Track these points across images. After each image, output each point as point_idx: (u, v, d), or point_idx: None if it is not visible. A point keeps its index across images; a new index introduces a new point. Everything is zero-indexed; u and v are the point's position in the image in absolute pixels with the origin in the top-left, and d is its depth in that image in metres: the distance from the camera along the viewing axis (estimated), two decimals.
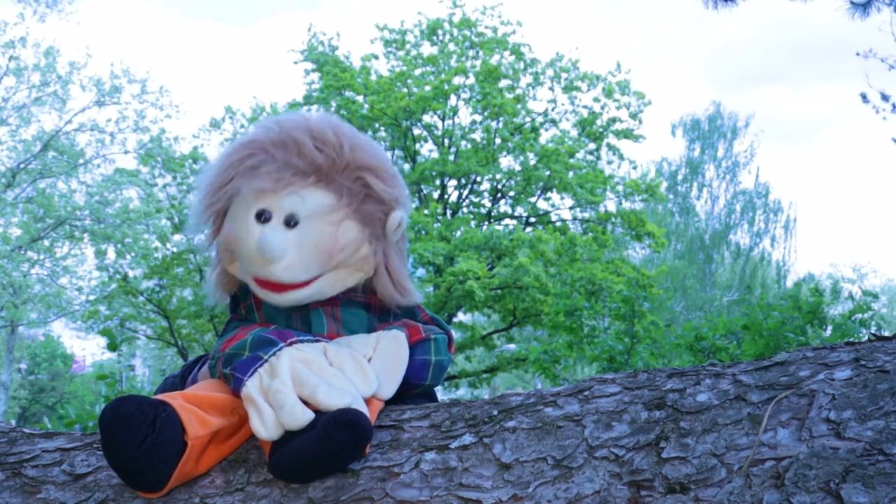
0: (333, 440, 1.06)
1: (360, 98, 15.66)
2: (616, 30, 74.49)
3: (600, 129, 16.07)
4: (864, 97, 8.46)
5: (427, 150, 16.66)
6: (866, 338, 1.25)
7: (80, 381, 28.95)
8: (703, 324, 5.24)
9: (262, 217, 1.28)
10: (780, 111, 72.26)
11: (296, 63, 16.35)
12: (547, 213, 16.66)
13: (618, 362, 5.29)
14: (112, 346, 3.27)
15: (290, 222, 1.28)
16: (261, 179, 1.28)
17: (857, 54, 8.13)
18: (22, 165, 14.93)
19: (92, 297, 16.12)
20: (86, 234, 15.25)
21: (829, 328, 4.70)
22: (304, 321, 1.33)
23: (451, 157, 15.65)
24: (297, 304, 1.31)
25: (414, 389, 1.32)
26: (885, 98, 8.40)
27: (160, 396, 1.13)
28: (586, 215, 16.51)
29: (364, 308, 1.37)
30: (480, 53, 15.96)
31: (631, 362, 5.23)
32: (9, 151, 15.09)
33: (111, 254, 15.66)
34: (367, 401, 1.17)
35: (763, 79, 73.34)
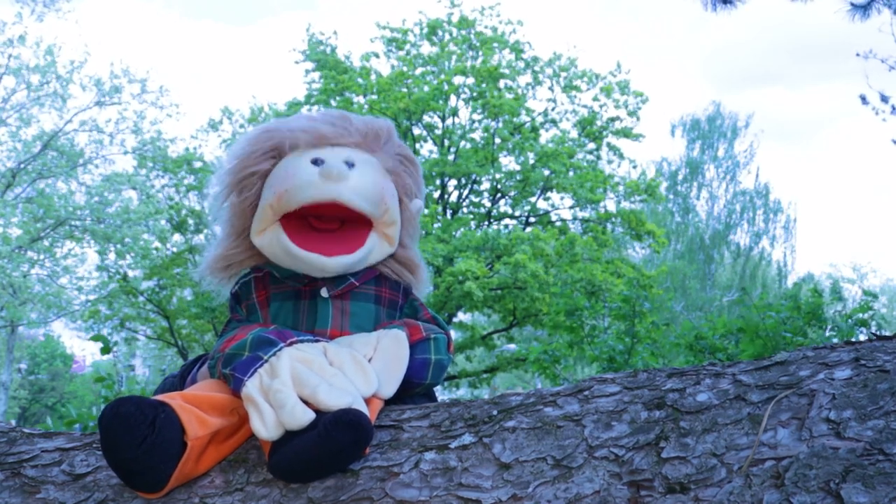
0: (334, 440, 1.06)
1: (359, 99, 15.67)
2: (615, 29, 74.54)
3: (600, 129, 16.08)
4: (863, 99, 8.43)
5: (427, 150, 16.67)
6: (866, 338, 1.25)
7: (80, 381, 28.95)
8: (704, 324, 5.24)
9: (317, 162, 1.31)
10: (779, 112, 72.39)
11: (297, 63, 16.37)
12: (547, 213, 16.66)
13: (618, 362, 5.28)
14: (105, 350, 3.28)
15: (346, 164, 1.32)
16: (316, 131, 1.34)
17: (858, 55, 8.10)
18: (22, 165, 14.93)
19: (92, 297, 16.12)
20: (86, 235, 15.25)
21: (829, 329, 4.70)
22: (311, 312, 1.34)
23: (451, 157, 15.66)
24: (341, 271, 1.33)
25: (414, 388, 1.32)
26: (884, 99, 8.37)
27: (160, 397, 1.13)
28: (586, 215, 16.50)
29: (374, 301, 1.39)
30: (480, 53, 15.96)
31: (631, 362, 5.22)
32: (8, 151, 15.10)
33: (111, 254, 15.66)
34: (368, 400, 1.17)
35: (762, 79, 73.46)
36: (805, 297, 4.83)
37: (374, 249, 1.36)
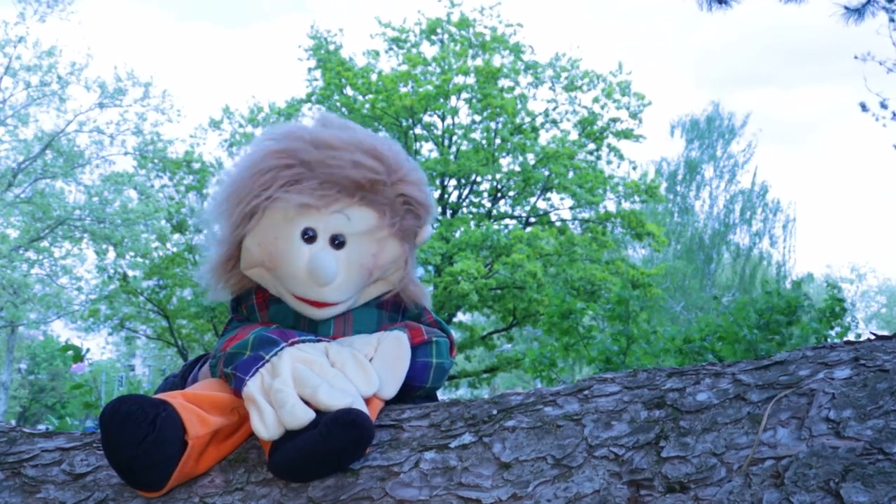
0: (335, 439, 1.06)
1: (361, 97, 15.66)
2: (606, 30, 74.53)
3: (600, 130, 16.08)
4: (863, 106, 8.39)
5: (427, 149, 16.66)
6: (865, 337, 1.25)
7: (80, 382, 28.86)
8: (693, 327, 5.25)
9: (306, 235, 1.27)
10: (773, 113, 72.46)
11: (300, 60, 16.42)
12: (546, 213, 16.65)
13: (614, 363, 5.28)
14: (76, 358, 3.31)
15: (336, 242, 1.28)
16: (304, 195, 1.25)
17: (856, 58, 8.08)
18: (23, 166, 14.93)
19: (92, 297, 16.12)
20: (85, 235, 15.26)
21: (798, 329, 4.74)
22: (311, 322, 1.33)
23: (452, 157, 15.65)
24: (332, 315, 1.32)
25: (415, 391, 1.31)
26: (883, 105, 8.34)
27: (161, 395, 1.13)
28: (586, 215, 16.50)
29: (375, 307, 1.38)
30: (480, 53, 15.96)
31: (627, 363, 5.22)
32: (7, 151, 15.10)
33: (111, 254, 15.67)
34: (368, 400, 1.17)
35: (754, 81, 73.56)
36: (786, 295, 4.85)
37: (364, 294, 1.35)
